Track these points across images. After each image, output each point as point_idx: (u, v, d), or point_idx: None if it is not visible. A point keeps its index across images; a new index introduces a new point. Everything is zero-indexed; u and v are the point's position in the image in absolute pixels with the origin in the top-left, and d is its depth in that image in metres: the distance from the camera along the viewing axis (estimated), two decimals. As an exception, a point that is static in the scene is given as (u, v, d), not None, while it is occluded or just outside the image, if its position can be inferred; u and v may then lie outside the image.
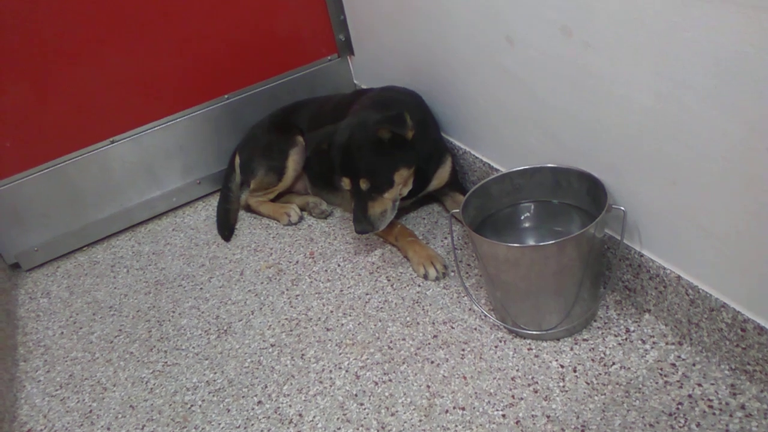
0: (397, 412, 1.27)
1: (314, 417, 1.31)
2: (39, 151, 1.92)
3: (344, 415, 1.29)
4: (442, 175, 1.75)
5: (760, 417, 1.08)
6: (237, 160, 2.07)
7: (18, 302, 1.90)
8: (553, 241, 1.20)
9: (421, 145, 1.62)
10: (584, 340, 1.32)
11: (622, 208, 1.26)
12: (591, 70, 1.21)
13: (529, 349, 1.33)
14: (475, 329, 1.41)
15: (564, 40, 1.24)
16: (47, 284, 1.95)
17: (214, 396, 1.42)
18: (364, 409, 1.30)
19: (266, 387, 1.41)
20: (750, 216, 1.03)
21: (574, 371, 1.26)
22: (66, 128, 1.93)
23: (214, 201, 2.13)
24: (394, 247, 1.73)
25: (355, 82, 2.31)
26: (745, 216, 1.04)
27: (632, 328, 1.31)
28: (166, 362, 1.54)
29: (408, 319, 1.49)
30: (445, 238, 1.72)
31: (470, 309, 1.47)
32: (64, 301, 1.85)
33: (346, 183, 1.59)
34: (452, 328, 1.43)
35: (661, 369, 1.21)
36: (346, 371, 1.39)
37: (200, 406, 1.40)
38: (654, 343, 1.27)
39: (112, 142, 2.00)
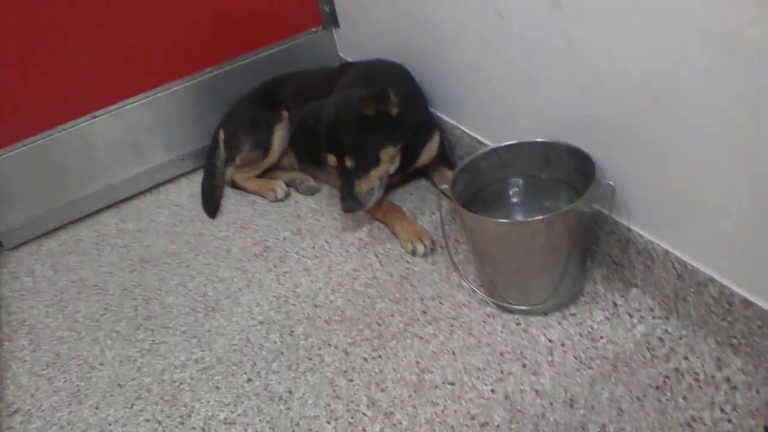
0: (386, 387, 1.28)
1: (304, 393, 1.31)
2: (19, 127, 1.88)
3: (334, 391, 1.30)
4: (430, 150, 1.74)
5: (744, 389, 1.10)
6: (221, 135, 2.03)
7: (1, 281, 1.87)
8: (541, 217, 1.20)
9: (408, 120, 1.60)
10: (572, 314, 1.33)
11: (611, 183, 1.26)
12: (581, 44, 1.19)
13: (517, 324, 1.34)
14: (464, 305, 1.42)
15: (554, 14, 1.22)
16: (31, 263, 1.92)
17: (202, 374, 1.41)
18: (354, 385, 1.30)
19: (255, 364, 1.40)
20: (739, 191, 1.03)
21: (562, 346, 1.27)
22: (46, 103, 1.89)
23: (198, 177, 2.11)
24: (382, 223, 1.72)
25: (341, 55, 2.28)
26: (733, 191, 1.04)
27: (620, 303, 1.32)
28: (154, 340, 1.54)
29: (396, 295, 1.49)
30: (433, 213, 1.72)
31: (459, 285, 1.47)
32: (48, 280, 1.83)
33: (332, 160, 1.57)
34: (441, 303, 1.43)
35: (648, 343, 1.23)
36: (335, 348, 1.39)
37: (189, 384, 1.40)
38: (641, 317, 1.28)
39: (93, 117, 1.96)
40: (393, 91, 1.52)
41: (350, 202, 1.57)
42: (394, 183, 1.83)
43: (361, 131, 1.52)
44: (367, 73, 1.73)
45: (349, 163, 1.54)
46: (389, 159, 1.59)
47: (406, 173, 1.78)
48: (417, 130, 1.68)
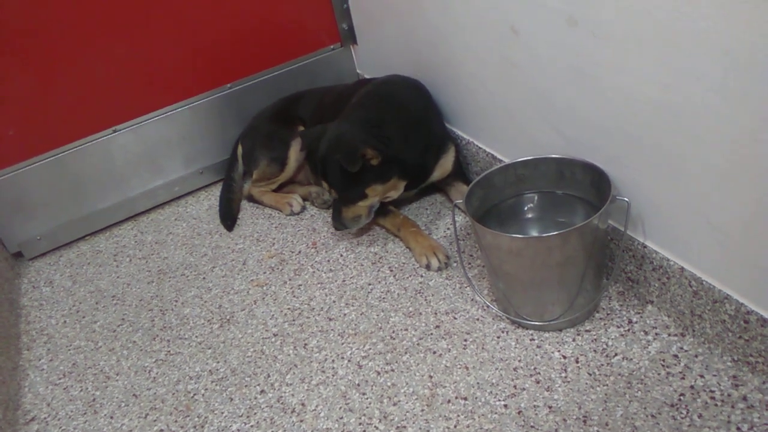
0: (399, 401, 1.28)
1: (317, 406, 1.31)
2: (42, 140, 1.92)
3: (347, 404, 1.30)
4: (444, 166, 1.75)
5: (762, 408, 1.09)
6: (240, 149, 2.06)
7: (21, 291, 1.90)
8: (556, 232, 1.20)
9: (407, 153, 1.63)
10: (587, 331, 1.32)
11: (626, 199, 1.25)
12: (596, 60, 1.20)
13: (531, 340, 1.33)
14: (478, 320, 1.41)
15: (569, 30, 1.23)
16: (50, 273, 1.95)
17: (216, 385, 1.42)
18: (367, 398, 1.30)
19: (269, 376, 1.41)
20: (755, 208, 1.02)
21: (577, 362, 1.26)
22: (69, 117, 1.93)
23: (216, 191, 2.13)
24: (397, 237, 1.73)
25: (358, 71, 2.30)
26: (749, 208, 1.03)
27: (635, 319, 1.32)
28: (169, 351, 1.55)
29: (410, 309, 1.49)
30: (448, 228, 1.72)
31: (473, 299, 1.47)
32: (67, 290, 1.86)
33: (325, 186, 1.67)
34: (454, 318, 1.43)
35: (664, 360, 1.22)
36: (349, 361, 1.39)
37: (203, 395, 1.41)
38: (656, 334, 1.27)
39: (115, 132, 2.00)
40: (370, 146, 1.55)
41: (337, 222, 1.68)
42: (409, 198, 1.85)
43: (345, 173, 1.57)
44: (377, 92, 1.76)
45: (336, 195, 1.65)
46: (379, 193, 1.64)
47: (421, 189, 1.79)
48: (427, 147, 1.69)
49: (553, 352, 1.29)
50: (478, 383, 1.27)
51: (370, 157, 1.55)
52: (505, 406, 1.21)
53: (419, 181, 1.73)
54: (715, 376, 1.16)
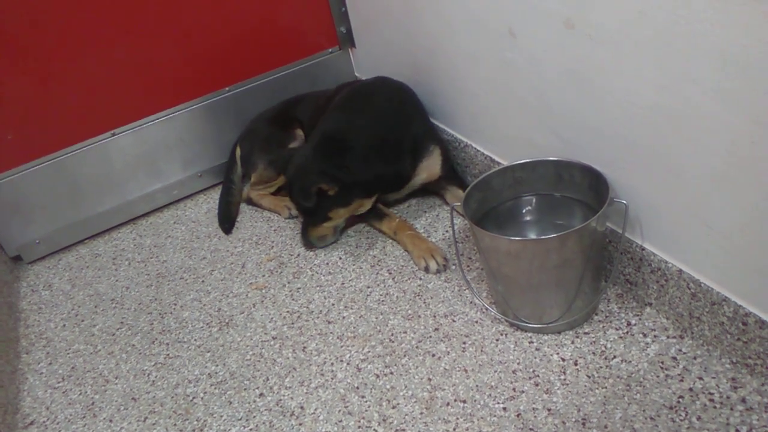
0: (398, 404, 1.28)
1: (316, 409, 1.31)
2: (41, 144, 1.92)
3: (346, 407, 1.30)
4: (430, 169, 1.74)
5: (760, 410, 1.09)
6: (238, 151, 2.06)
7: (20, 295, 1.90)
8: (554, 235, 1.20)
9: (376, 166, 1.65)
10: (585, 333, 1.32)
11: (624, 201, 1.26)
12: (594, 63, 1.20)
13: (530, 343, 1.33)
14: (477, 322, 1.42)
15: (567, 33, 1.23)
16: (49, 277, 1.95)
17: (215, 388, 1.42)
18: (366, 401, 1.30)
19: (268, 379, 1.41)
20: (752, 210, 1.03)
21: (575, 364, 1.26)
22: (67, 121, 1.93)
23: (215, 194, 2.13)
24: (395, 240, 1.73)
25: (357, 74, 2.30)
26: (747, 210, 1.04)
27: (633, 322, 1.32)
28: (168, 355, 1.55)
29: (409, 312, 1.49)
30: (447, 231, 1.72)
31: (471, 302, 1.47)
32: (65, 294, 1.86)
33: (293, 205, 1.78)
34: (453, 321, 1.43)
35: (662, 362, 1.22)
36: (348, 364, 1.40)
37: (202, 398, 1.41)
38: (655, 336, 1.27)
39: (113, 135, 2.00)
40: (325, 180, 1.59)
41: (304, 240, 1.77)
42: (401, 200, 1.87)
43: (307, 200, 1.62)
44: (356, 97, 1.77)
45: (301, 216, 1.74)
46: (342, 215, 1.69)
47: (411, 192, 1.81)
48: (399, 155, 1.69)
49: (552, 355, 1.29)
50: (477, 386, 1.27)
51: (326, 189, 1.60)
52: (504, 408, 1.21)
53: (395, 187, 1.75)
54: (713, 378, 1.16)
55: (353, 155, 1.63)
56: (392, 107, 1.75)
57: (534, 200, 1.45)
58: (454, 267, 1.59)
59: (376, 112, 1.72)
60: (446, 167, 1.76)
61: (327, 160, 1.62)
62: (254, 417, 1.33)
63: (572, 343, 1.31)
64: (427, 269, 1.59)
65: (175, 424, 1.36)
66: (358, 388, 1.33)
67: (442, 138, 1.82)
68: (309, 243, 1.76)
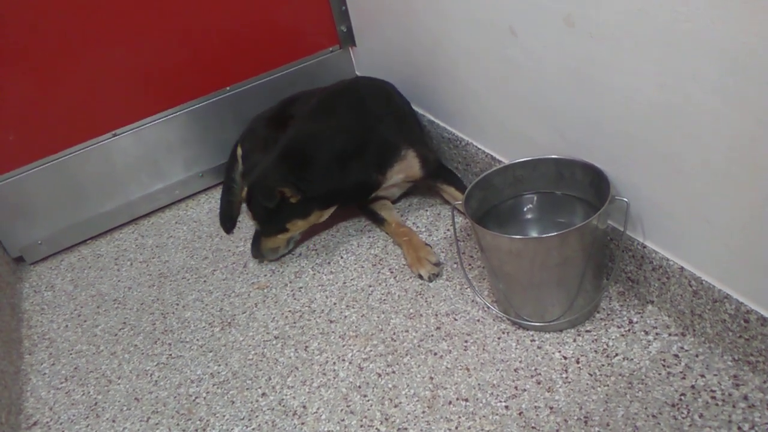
0: (400, 403, 1.28)
1: (318, 408, 1.31)
2: (42, 145, 1.92)
3: (348, 406, 1.30)
4: (406, 171, 1.71)
5: (763, 408, 1.09)
6: (239, 150, 2.06)
7: (22, 295, 1.91)
8: (555, 233, 1.20)
9: (338, 177, 1.63)
10: (587, 331, 1.32)
11: (625, 199, 1.26)
12: (594, 60, 1.20)
13: (532, 341, 1.33)
14: (478, 321, 1.42)
15: (567, 31, 1.23)
16: (51, 277, 1.96)
17: (218, 388, 1.42)
18: (368, 400, 1.30)
19: (270, 379, 1.41)
20: (754, 208, 1.02)
21: (577, 362, 1.26)
22: (69, 122, 1.93)
23: (216, 193, 2.14)
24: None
25: (357, 73, 2.30)
26: (749, 208, 1.03)
27: (635, 320, 1.32)
28: (171, 354, 1.55)
29: (411, 310, 1.49)
30: (448, 230, 1.72)
31: (473, 301, 1.47)
32: (68, 294, 1.86)
33: (250, 218, 1.72)
34: (455, 319, 1.43)
35: (664, 360, 1.22)
36: (350, 363, 1.40)
37: (205, 398, 1.41)
38: (657, 334, 1.27)
39: (115, 135, 2.00)
40: (287, 187, 1.58)
41: (254, 251, 1.75)
42: (395, 198, 1.86)
43: (266, 208, 1.62)
44: (322, 104, 1.76)
45: (257, 227, 1.72)
46: (300, 227, 1.69)
47: (381, 197, 1.80)
48: (366, 163, 1.66)
49: (553, 353, 1.29)
50: (479, 384, 1.27)
51: (288, 195, 1.59)
52: (506, 407, 1.21)
53: (360, 197, 1.75)
54: (715, 375, 1.16)
55: (313, 169, 1.61)
56: (357, 114, 1.71)
57: (535, 198, 1.45)
58: (455, 266, 1.59)
59: (339, 120, 1.69)
60: (428, 168, 1.72)
61: (290, 169, 1.61)
62: (257, 416, 1.33)
63: (574, 341, 1.31)
64: (420, 277, 1.58)
65: (177, 424, 1.36)
66: (360, 387, 1.34)
67: (420, 138, 1.79)
68: (260, 255, 1.74)
